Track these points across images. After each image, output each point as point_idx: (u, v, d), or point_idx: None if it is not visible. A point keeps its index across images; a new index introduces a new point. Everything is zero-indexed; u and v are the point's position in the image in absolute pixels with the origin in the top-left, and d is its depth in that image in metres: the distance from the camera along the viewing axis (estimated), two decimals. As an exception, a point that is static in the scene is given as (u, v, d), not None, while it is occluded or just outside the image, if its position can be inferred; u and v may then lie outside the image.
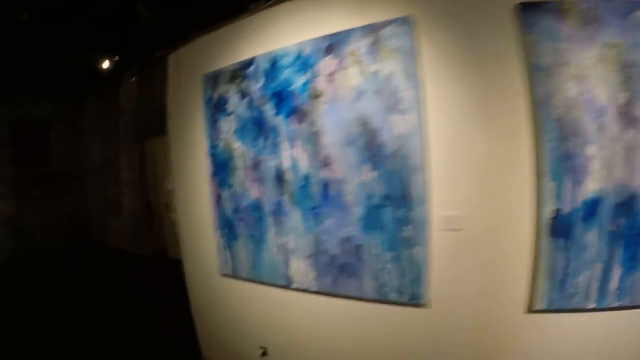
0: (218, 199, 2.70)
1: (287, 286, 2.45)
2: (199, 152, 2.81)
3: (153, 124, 6.52)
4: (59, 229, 9.07)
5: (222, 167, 2.65)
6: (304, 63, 2.21)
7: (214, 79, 2.68)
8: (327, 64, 2.11)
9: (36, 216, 8.78)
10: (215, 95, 2.66)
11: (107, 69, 7.17)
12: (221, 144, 2.64)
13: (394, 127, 1.87)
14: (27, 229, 8.62)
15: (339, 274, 2.20)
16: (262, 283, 2.59)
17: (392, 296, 1.95)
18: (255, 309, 2.73)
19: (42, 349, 3.89)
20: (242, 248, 2.59)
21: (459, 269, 1.81)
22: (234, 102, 2.56)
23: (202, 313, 3.10)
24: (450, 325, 1.85)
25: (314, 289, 2.31)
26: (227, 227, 2.67)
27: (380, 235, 2.01)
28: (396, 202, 1.90)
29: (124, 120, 7.65)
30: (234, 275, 2.70)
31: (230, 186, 2.62)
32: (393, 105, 1.87)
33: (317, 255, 2.27)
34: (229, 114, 2.59)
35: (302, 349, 2.49)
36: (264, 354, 2.70)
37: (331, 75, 2.10)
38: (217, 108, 2.66)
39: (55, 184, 9.01)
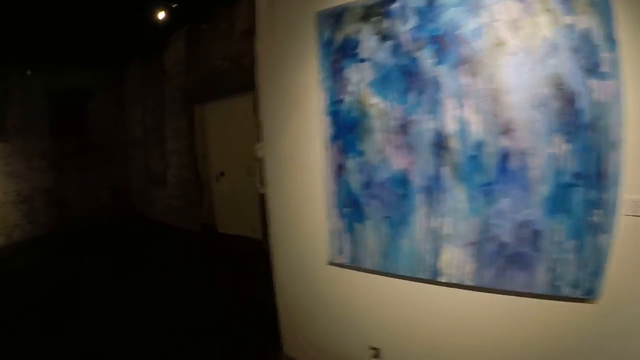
0: (339, 170, 2.14)
1: (430, 280, 1.96)
2: (307, 109, 2.25)
3: (203, 88, 6.18)
4: (99, 201, 8.91)
5: (348, 129, 2.08)
6: (476, 3, 1.69)
7: (335, 17, 2.10)
8: (509, 7, 1.63)
9: (76, 188, 8.61)
10: (339, 37, 2.09)
11: (150, 32, 6.73)
12: (348, 99, 2.06)
13: (594, 93, 1.50)
14: (66, 202, 8.43)
15: (506, 265, 1.75)
16: (393, 275, 2.09)
17: (565, 291, 1.62)
18: (370, 304, 2.27)
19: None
20: (371, 232, 2.06)
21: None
22: (370, 46, 1.98)
23: (293, 307, 2.64)
24: (623, 327, 1.55)
25: (469, 283, 1.85)
26: (351, 206, 2.12)
27: (565, 219, 1.61)
28: (589, 182, 1.54)
29: (170, 86, 7.15)
30: (353, 264, 2.19)
31: (360, 153, 2.06)
32: (593, 67, 1.50)
33: (481, 243, 1.78)
34: (362, 61, 2.01)
35: (431, 351, 2.06)
36: (375, 356, 2.27)
37: (516, 21, 1.62)
38: (341, 53, 2.08)
39: (95, 155, 8.81)
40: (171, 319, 3.77)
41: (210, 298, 4.23)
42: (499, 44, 1.66)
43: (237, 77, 5.46)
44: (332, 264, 2.30)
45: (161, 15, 5.38)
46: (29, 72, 7.57)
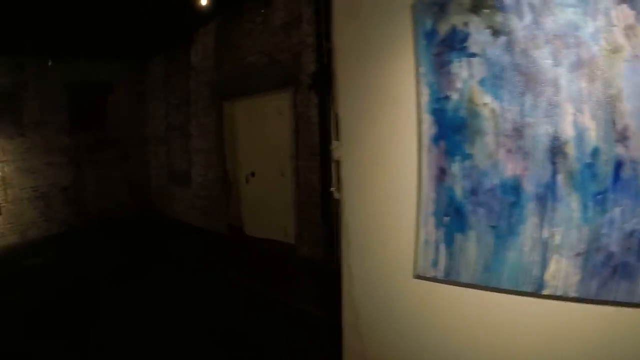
0: (441, 174, 1.95)
1: (533, 293, 1.80)
2: (400, 106, 2.06)
3: (234, 84, 6.06)
4: (117, 198, 8.82)
5: (454, 130, 1.89)
6: (594, 6, 1.56)
7: (439, 6, 1.94)
8: (624, 13, 1.51)
9: (93, 185, 8.52)
10: (443, 28, 1.91)
11: (176, 27, 6.67)
12: (455, 96, 1.88)
13: None
14: (84, 198, 8.33)
15: (611, 276, 1.63)
16: (493, 289, 1.91)
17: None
18: (459, 319, 2.08)
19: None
20: (474, 243, 1.88)
21: None
22: (481, 41, 1.81)
23: (366, 322, 2.44)
24: None
25: (573, 294, 1.71)
26: (452, 214, 1.94)
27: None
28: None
29: (197, 82, 6.99)
30: (447, 278, 1.98)
31: (467, 157, 1.88)
32: None
33: (589, 253, 1.66)
34: (472, 56, 1.83)
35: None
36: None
37: (631, 28, 1.50)
38: (447, 45, 1.90)
39: (114, 151, 8.73)
40: (197, 325, 3.64)
41: (243, 304, 4.08)
42: (616, 50, 1.53)
43: (273, 73, 5.33)
44: (420, 277, 2.10)
45: (203, 1, 5.17)
46: (50, 63, 7.45)
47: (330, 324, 3.26)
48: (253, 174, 6.08)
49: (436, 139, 1.93)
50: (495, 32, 1.77)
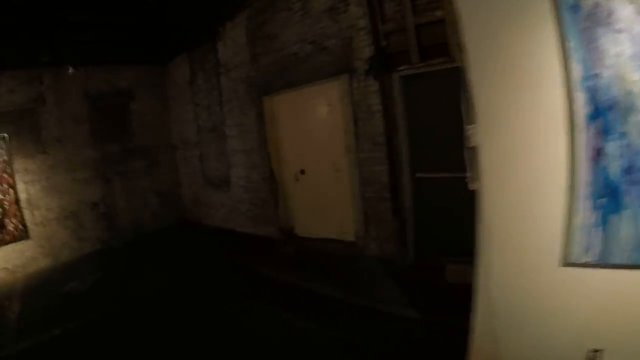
0: (597, 155, 1.99)
1: None
2: (544, 84, 2.08)
3: (274, 77, 6.12)
4: (150, 209, 9.05)
5: (607, 108, 1.95)
6: None
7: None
8: None
9: (124, 198, 8.75)
10: (586, 2, 1.92)
11: (198, 24, 6.74)
12: (607, 73, 1.92)
13: None
14: (115, 213, 8.56)
15: None
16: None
17: None
18: (606, 303, 2.12)
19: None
20: (627, 223, 1.97)
21: None
22: (626, 16, 1.86)
23: (506, 315, 2.45)
24: None
25: None
26: (607, 196, 2.00)
27: None
28: None
29: (229, 79, 7.09)
30: (600, 262, 2.03)
31: (621, 135, 1.93)
32: None
33: None
34: (618, 32, 1.89)
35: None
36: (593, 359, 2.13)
37: None
38: (593, 20, 1.95)
39: (142, 160, 8.95)
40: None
41: (336, 320, 3.94)
42: None
43: (319, 62, 5.40)
44: (571, 264, 2.16)
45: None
46: (71, 70, 7.61)
47: (433, 325, 3.35)
48: (303, 172, 6.13)
49: (591, 118, 1.98)
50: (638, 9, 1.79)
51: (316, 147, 5.92)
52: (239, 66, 6.87)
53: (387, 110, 4.70)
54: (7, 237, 7.36)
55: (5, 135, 7.33)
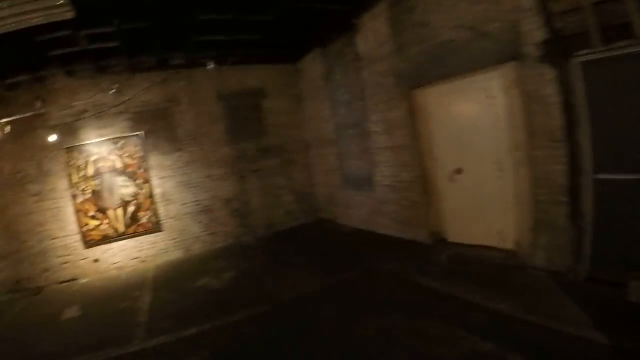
0: None
1: None
2: None
3: (424, 68, 6.12)
4: (283, 207, 9.82)
5: None
6: None
7: None
8: None
9: (257, 195, 9.63)
10: None
11: (331, 17, 7.06)
12: None
13: None
14: (248, 210, 9.45)
15: None
16: None
17: None
18: None
19: None
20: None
21: None
22: None
23: None
24: None
25: None
26: None
27: None
28: None
29: (372, 73, 7.30)
30: None
31: None
32: None
33: None
34: None
35: None
36: None
37: None
38: None
39: (276, 158, 9.73)
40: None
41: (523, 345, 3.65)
42: None
43: (479, 49, 5.24)
44: None
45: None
46: (211, 65, 8.51)
47: (625, 354, 3.11)
48: (459, 171, 6.11)
49: None
50: None
51: (475, 144, 5.78)
52: (383, 58, 6.96)
53: (566, 102, 4.52)
54: (141, 229, 8.69)
55: (142, 133, 8.52)
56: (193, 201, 9.03)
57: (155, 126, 8.79)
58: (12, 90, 7.92)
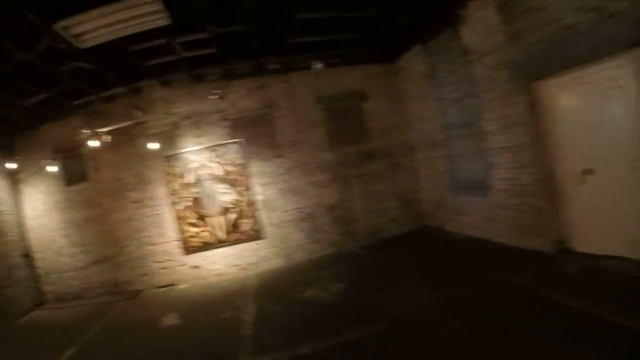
0: None
1: None
2: None
3: (545, 57, 5.79)
4: (388, 214, 9.80)
5: None
6: None
7: None
8: None
9: (361, 201, 9.69)
10: None
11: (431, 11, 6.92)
12: None
13: None
14: (351, 217, 9.55)
15: None
16: None
17: None
18: None
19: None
20: None
21: None
22: None
23: None
24: None
25: None
26: None
27: None
28: None
29: (484, 66, 7.05)
30: None
31: None
32: None
33: None
34: None
35: None
36: None
37: None
38: None
39: (379, 162, 9.77)
40: None
41: None
42: None
43: (605, 33, 4.85)
44: None
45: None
46: (318, 66, 8.71)
47: None
48: (589, 172, 5.72)
49: None
50: None
51: (606, 140, 5.35)
52: (495, 50, 6.65)
53: None
54: (242, 237, 9.06)
55: (242, 139, 8.91)
56: (295, 208, 9.34)
57: (255, 132, 9.20)
58: (109, 102, 8.79)
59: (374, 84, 9.84)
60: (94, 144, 8.22)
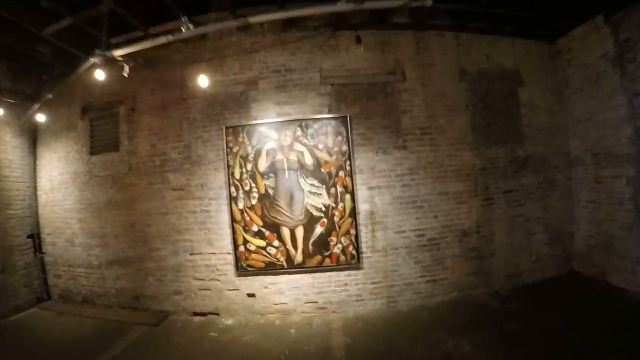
0: None
1: None
2: None
3: None
4: (531, 249, 6.92)
5: None
6: None
7: None
8: None
9: (504, 229, 6.77)
10: None
11: None
12: None
13: None
14: (489, 250, 6.70)
15: None
16: None
17: None
18: None
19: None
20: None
21: None
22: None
23: None
24: None
25: None
26: None
27: None
28: None
29: None
30: None
31: None
32: None
33: None
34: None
35: None
36: None
37: None
38: None
39: (533, 177, 6.93)
40: None
41: None
42: None
43: None
44: None
45: None
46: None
47: None
48: None
49: None
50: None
51: None
52: None
53: None
54: (328, 261, 6.17)
55: (347, 116, 6.17)
56: (414, 229, 6.39)
57: (368, 108, 6.40)
58: (161, 48, 6.08)
59: (529, 66, 7.08)
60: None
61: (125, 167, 6.95)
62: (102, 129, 7.20)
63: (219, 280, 6.48)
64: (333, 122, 6.27)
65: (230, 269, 6.42)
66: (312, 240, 6.25)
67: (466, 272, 6.49)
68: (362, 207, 6.27)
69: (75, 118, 7.35)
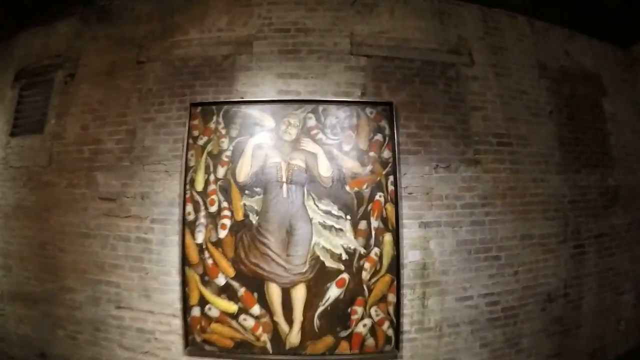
0: None
1: None
2: None
3: None
4: (616, 315, 4.95)
5: None
6: None
7: None
8: None
9: (594, 286, 4.74)
10: None
11: None
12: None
13: None
14: (574, 317, 4.55)
15: None
16: None
17: None
18: None
19: None
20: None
21: None
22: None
23: None
24: None
25: None
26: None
27: None
28: None
29: None
30: None
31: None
32: None
33: None
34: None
35: None
36: None
37: None
38: None
39: (623, 215, 4.99)
40: None
41: None
42: None
43: None
44: None
45: None
46: None
47: None
48: None
49: None
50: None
51: None
52: None
53: None
54: (346, 346, 3.75)
55: (390, 104, 4.05)
56: (485, 294, 4.06)
57: (423, 96, 4.23)
58: None
59: (608, 72, 5.35)
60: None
61: (46, 157, 4.56)
62: (31, 101, 4.97)
63: (157, 356, 3.87)
64: (369, 110, 4.01)
65: (177, 341, 3.82)
66: (320, 309, 3.72)
67: (546, 354, 4.30)
68: (410, 257, 3.86)
69: (5, 86, 5.13)
